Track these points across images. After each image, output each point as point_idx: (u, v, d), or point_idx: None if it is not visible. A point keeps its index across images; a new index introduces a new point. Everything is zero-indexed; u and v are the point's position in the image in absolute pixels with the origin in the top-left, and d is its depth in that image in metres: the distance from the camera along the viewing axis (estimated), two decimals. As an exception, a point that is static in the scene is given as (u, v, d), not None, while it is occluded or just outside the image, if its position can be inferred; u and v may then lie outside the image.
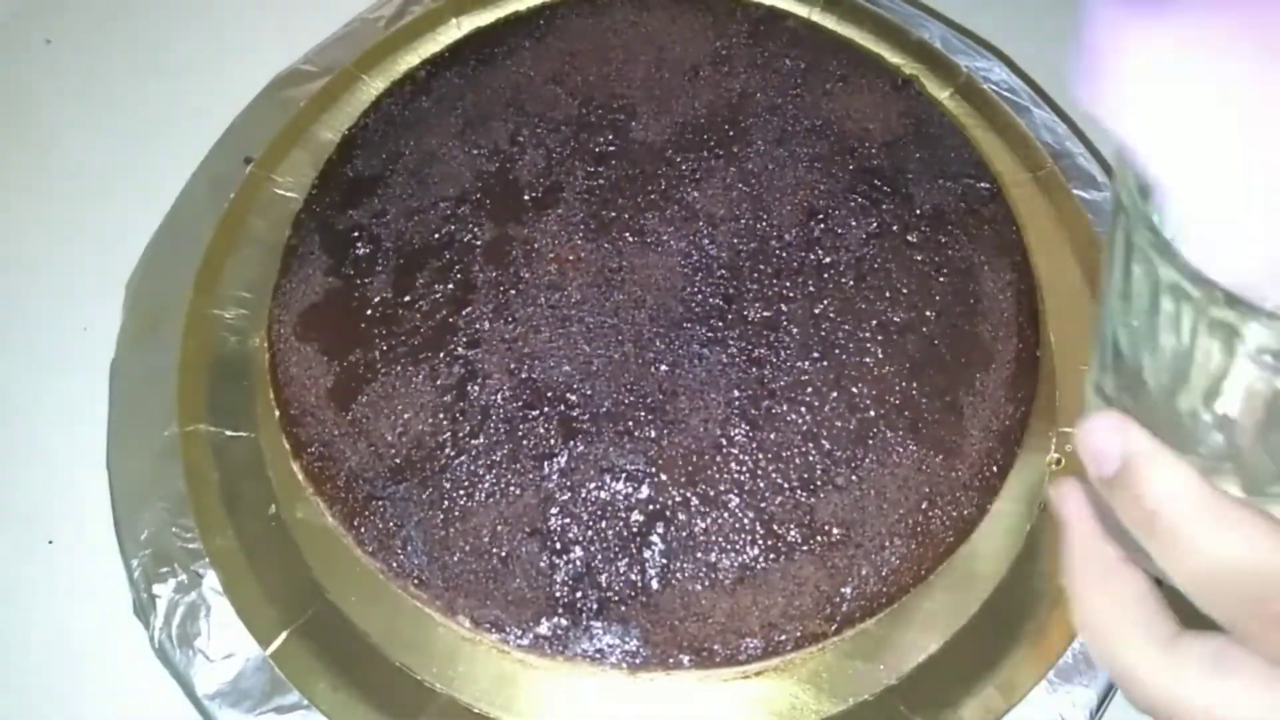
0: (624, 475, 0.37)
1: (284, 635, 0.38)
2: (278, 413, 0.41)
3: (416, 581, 0.37)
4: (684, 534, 0.37)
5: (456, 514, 0.37)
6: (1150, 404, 0.22)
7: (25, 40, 0.59)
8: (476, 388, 0.39)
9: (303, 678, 0.38)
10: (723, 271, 0.41)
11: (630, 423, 0.38)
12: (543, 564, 0.36)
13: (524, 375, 0.39)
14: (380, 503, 0.38)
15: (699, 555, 0.36)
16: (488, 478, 0.37)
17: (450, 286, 0.41)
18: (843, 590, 0.37)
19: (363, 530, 0.38)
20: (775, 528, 0.37)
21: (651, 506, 0.37)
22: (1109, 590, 0.25)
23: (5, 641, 0.42)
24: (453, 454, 0.38)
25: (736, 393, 0.38)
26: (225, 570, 0.39)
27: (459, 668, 0.38)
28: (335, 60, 0.53)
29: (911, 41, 0.55)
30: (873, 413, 0.39)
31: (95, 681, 0.42)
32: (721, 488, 0.37)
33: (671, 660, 0.36)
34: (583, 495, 0.37)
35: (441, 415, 0.38)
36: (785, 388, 0.39)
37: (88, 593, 0.43)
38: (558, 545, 0.37)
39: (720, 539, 0.36)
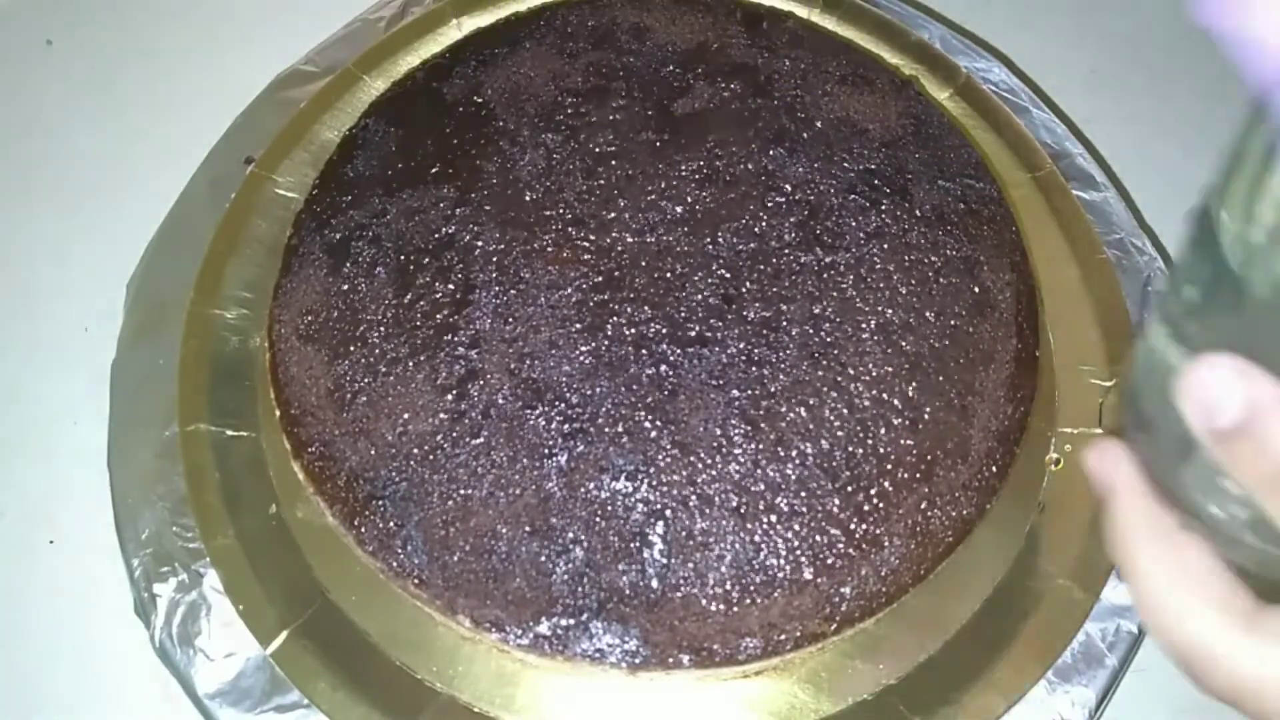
0: (624, 475, 0.37)
1: (284, 635, 0.38)
2: (278, 412, 0.41)
3: (416, 581, 0.37)
4: (683, 534, 0.37)
5: (456, 514, 0.37)
6: (1253, 325, 0.20)
7: (25, 40, 0.59)
8: (476, 387, 0.39)
9: (303, 677, 0.38)
10: (723, 271, 0.41)
11: (630, 423, 0.38)
12: (543, 563, 0.36)
13: (524, 375, 0.39)
14: (380, 502, 0.38)
15: (698, 555, 0.36)
16: (488, 477, 0.37)
17: (450, 286, 0.41)
18: (842, 590, 0.37)
19: (363, 530, 0.38)
20: (774, 527, 0.37)
21: (651, 506, 0.37)
22: (1172, 562, 0.22)
23: (5, 641, 0.42)
24: (453, 454, 0.38)
25: (736, 393, 0.38)
26: (226, 569, 0.39)
27: (459, 667, 0.38)
28: (336, 60, 0.53)
29: (911, 42, 0.55)
30: (872, 413, 0.39)
31: (95, 681, 0.42)
32: (721, 488, 0.37)
33: (671, 660, 0.36)
34: (583, 495, 0.37)
35: (441, 415, 0.38)
36: (785, 388, 0.39)
37: (88, 593, 0.43)
38: (558, 545, 0.37)
39: (720, 539, 0.36)
